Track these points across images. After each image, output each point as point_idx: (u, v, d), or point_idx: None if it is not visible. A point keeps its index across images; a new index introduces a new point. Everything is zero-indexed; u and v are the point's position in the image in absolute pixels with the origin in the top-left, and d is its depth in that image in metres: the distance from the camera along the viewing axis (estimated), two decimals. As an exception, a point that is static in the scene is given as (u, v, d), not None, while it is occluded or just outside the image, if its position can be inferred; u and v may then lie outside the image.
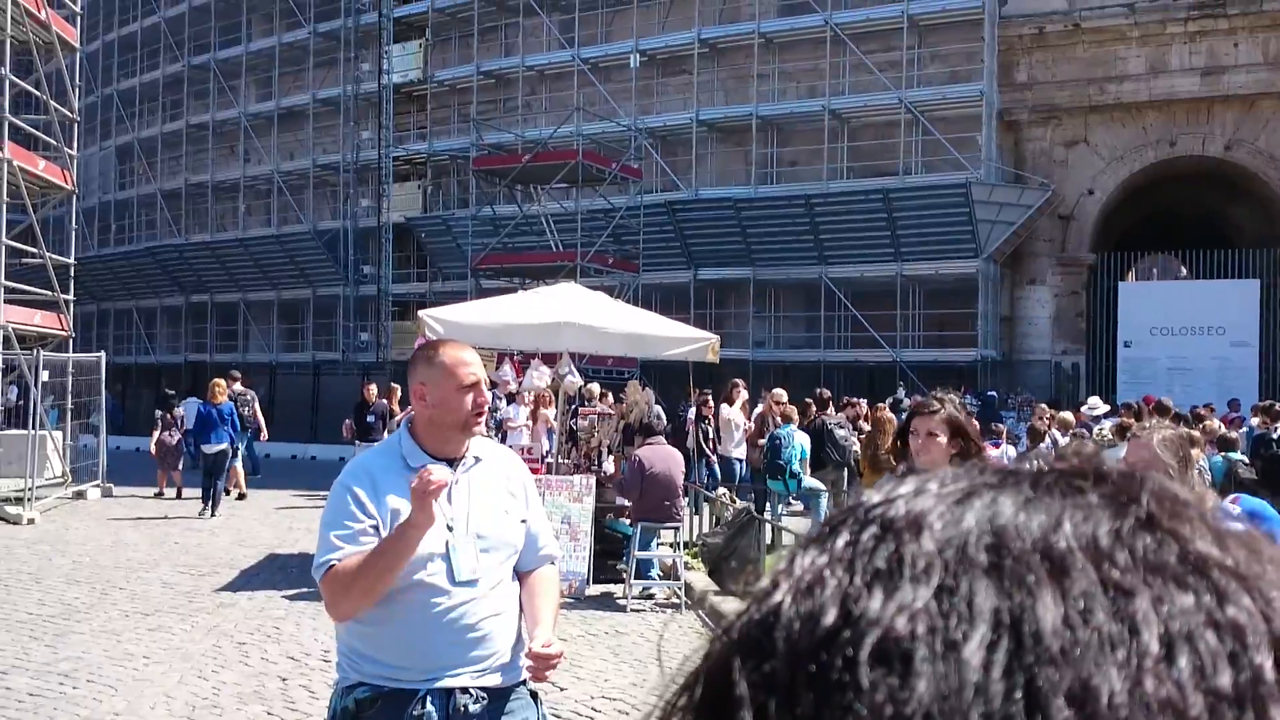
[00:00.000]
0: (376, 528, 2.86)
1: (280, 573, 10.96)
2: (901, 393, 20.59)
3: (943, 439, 3.58)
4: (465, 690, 2.85)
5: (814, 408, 14.46)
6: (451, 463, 2.99)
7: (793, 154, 28.35)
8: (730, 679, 0.37)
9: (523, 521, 3.04)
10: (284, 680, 7.03)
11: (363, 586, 2.80)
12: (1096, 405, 16.92)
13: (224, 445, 15.44)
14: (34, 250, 18.40)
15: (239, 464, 16.99)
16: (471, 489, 2.99)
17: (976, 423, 4.41)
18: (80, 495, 17.06)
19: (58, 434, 17.59)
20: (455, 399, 2.99)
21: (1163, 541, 0.37)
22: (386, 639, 2.86)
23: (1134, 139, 26.16)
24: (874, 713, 0.34)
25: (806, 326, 28.15)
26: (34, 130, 19.24)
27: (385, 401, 16.71)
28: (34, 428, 16.03)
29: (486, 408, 3.05)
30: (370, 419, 16.34)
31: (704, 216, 27.93)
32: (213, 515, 15.11)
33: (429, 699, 2.83)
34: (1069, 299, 26.85)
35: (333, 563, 2.83)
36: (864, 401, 16.78)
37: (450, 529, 2.90)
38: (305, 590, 10.05)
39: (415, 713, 2.81)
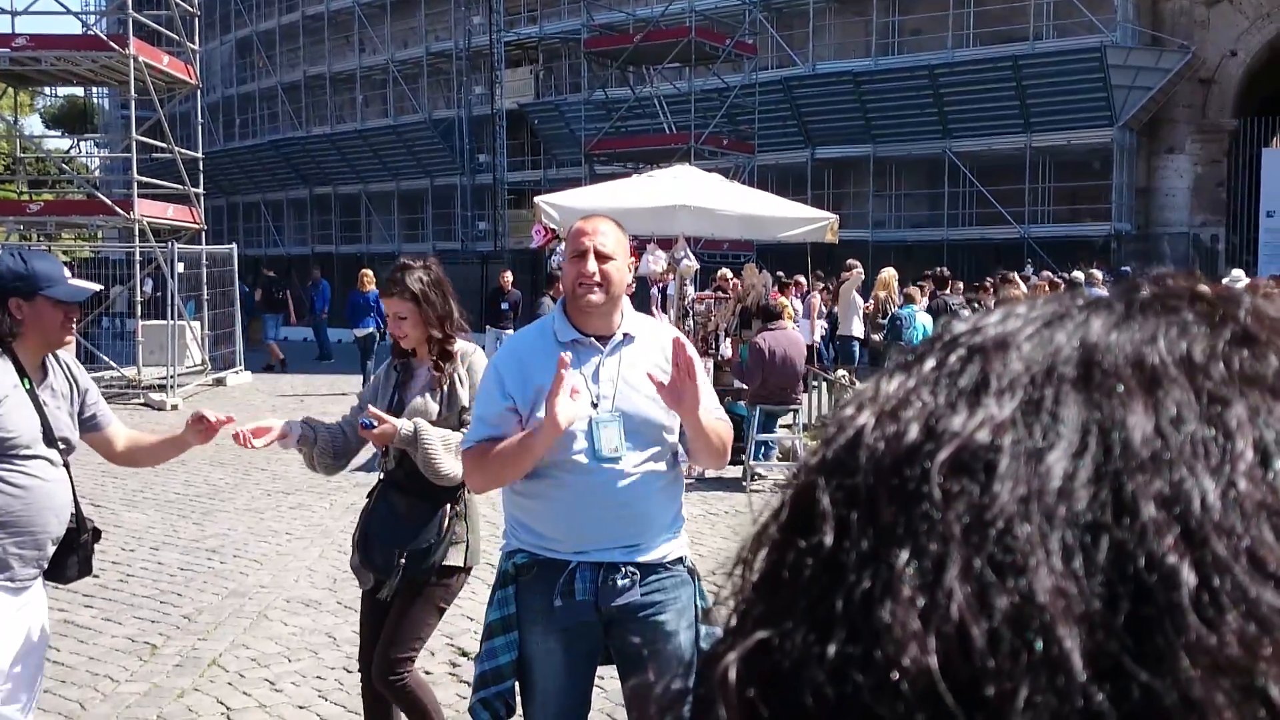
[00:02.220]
0: (515, 410, 2.91)
1: (410, 455, 11.32)
2: (1030, 270, 19.93)
3: None
4: (615, 566, 2.89)
5: (932, 287, 14.09)
6: (602, 339, 2.98)
7: (916, 22, 27.13)
8: (814, 496, 0.38)
9: None
10: (417, 556, 7.30)
11: (492, 473, 2.95)
12: (1239, 278, 16.11)
13: (371, 330, 16.61)
14: (163, 145, 18.90)
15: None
16: (620, 367, 2.96)
17: None
18: (219, 382, 17.83)
19: (195, 324, 18.29)
20: (569, 269, 2.98)
21: (1260, 355, 0.36)
22: (539, 510, 2.94)
23: (1284, -7, 24.29)
24: (955, 520, 0.34)
25: (929, 204, 27.34)
26: (157, 26, 19.58)
27: (519, 290, 17.04)
28: (172, 318, 16.71)
29: (594, 280, 2.94)
30: (504, 306, 16.61)
31: (821, 92, 27.10)
32: None
33: (579, 571, 2.89)
34: (1209, 168, 25.42)
35: (472, 446, 2.97)
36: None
37: (595, 405, 2.90)
38: (434, 471, 10.37)
39: (566, 583, 2.89)
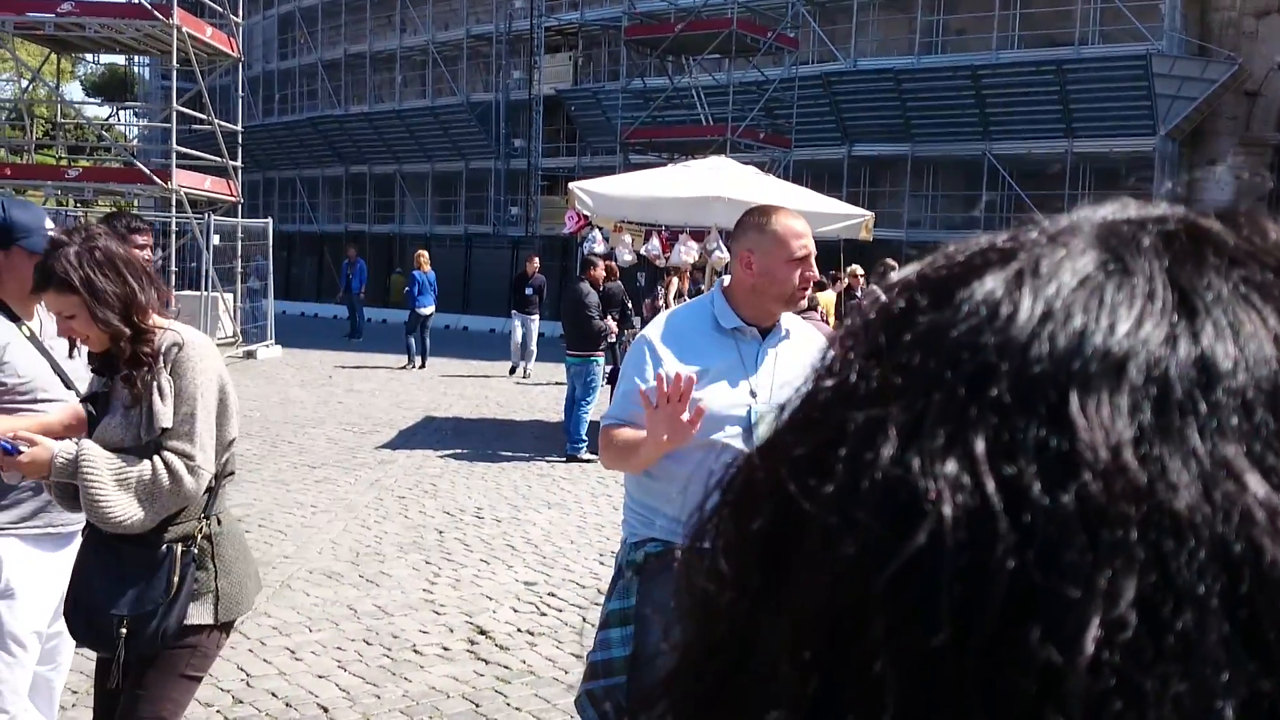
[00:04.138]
0: None
1: (436, 434, 11.36)
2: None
3: None
4: None
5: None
6: (763, 332, 2.97)
7: (960, 22, 26.90)
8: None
9: None
10: (440, 533, 7.32)
11: (621, 459, 2.92)
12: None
13: (430, 308, 17.46)
14: (203, 117, 19.01)
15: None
16: (778, 361, 2.95)
17: None
18: (250, 355, 17.94)
19: (228, 296, 18.42)
20: (783, 271, 2.93)
21: None
22: (681, 495, 2.84)
23: (1340, 6, 23.91)
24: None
25: (965, 206, 27.12)
26: (201, -2, 19.71)
27: (544, 276, 17.17)
28: (206, 289, 16.83)
29: (813, 282, 3.00)
30: (529, 291, 16.65)
31: (862, 89, 26.92)
32: (422, 366, 17.30)
33: None
34: (1252, 181, 25.09)
35: (610, 423, 2.94)
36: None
37: (753, 395, 2.88)
38: (460, 451, 10.41)
39: None
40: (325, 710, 4.45)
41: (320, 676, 4.79)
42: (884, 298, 0.38)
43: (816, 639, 0.33)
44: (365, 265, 23.76)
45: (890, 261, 13.45)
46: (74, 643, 3.24)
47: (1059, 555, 0.30)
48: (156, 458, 2.70)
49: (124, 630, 2.72)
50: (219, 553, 2.85)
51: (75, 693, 4.25)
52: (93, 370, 2.91)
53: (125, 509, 2.66)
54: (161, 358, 2.74)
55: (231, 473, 3.01)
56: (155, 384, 2.71)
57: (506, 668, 4.99)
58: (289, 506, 7.89)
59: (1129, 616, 0.30)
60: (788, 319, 3.05)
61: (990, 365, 0.33)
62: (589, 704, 2.91)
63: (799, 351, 2.98)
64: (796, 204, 11.76)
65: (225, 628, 2.92)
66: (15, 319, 3.21)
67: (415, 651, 5.13)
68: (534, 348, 16.95)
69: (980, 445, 0.32)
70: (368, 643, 5.22)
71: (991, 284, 0.35)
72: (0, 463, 2.72)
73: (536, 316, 16.85)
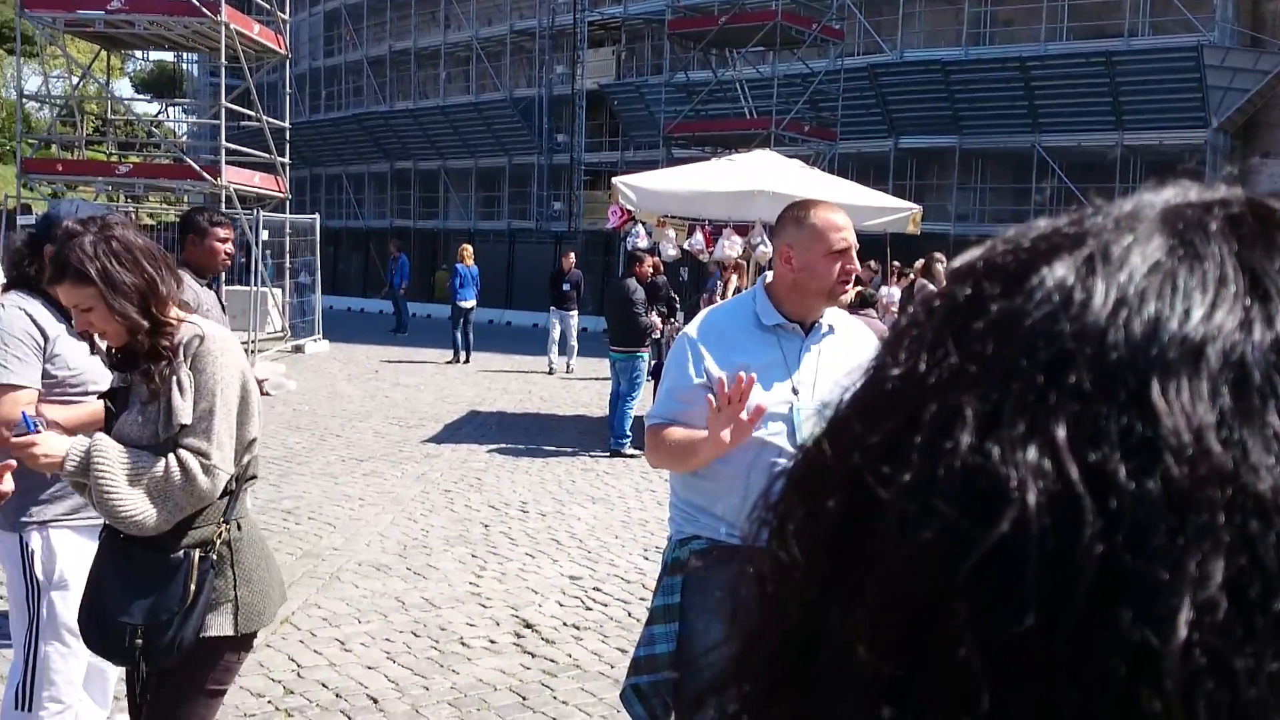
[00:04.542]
0: (708, 387, 2.85)
1: (481, 428, 11.42)
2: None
3: None
4: None
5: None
6: (806, 328, 2.95)
7: (1008, 13, 26.58)
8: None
9: None
10: (486, 526, 7.36)
11: (665, 460, 2.92)
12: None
13: (473, 302, 17.63)
14: (251, 114, 19.21)
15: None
16: (821, 357, 2.93)
17: None
18: (298, 349, 18.13)
19: (277, 291, 18.62)
20: (823, 265, 2.90)
21: None
22: (725, 494, 2.84)
23: (1401, -7, 23.37)
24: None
25: (1014, 199, 26.82)
26: (250, -4, 19.92)
27: (580, 271, 17.16)
28: (255, 284, 17.02)
29: (854, 275, 2.95)
30: (565, 287, 16.67)
31: (908, 80, 26.69)
32: (466, 361, 17.37)
33: None
34: (1308, 173, 24.59)
35: (656, 422, 2.93)
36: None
37: (796, 392, 2.86)
38: (504, 445, 10.46)
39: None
40: (375, 701, 4.49)
41: (369, 668, 4.83)
42: (947, 286, 0.38)
43: (895, 624, 0.33)
44: (408, 261, 23.93)
45: (939, 255, 13.33)
46: None
47: (1147, 539, 0.31)
48: (171, 456, 2.58)
49: (139, 641, 2.58)
50: (239, 559, 2.70)
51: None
52: (111, 365, 2.79)
53: (137, 507, 2.54)
54: (181, 351, 2.61)
55: (254, 476, 2.82)
56: (175, 379, 2.59)
57: (553, 661, 5.00)
58: (337, 499, 7.96)
59: (1219, 598, 0.30)
60: (832, 315, 3.02)
61: (1068, 353, 0.33)
62: (635, 699, 2.91)
63: (845, 348, 2.95)
64: (842, 197, 11.68)
65: (246, 640, 2.74)
66: (65, 314, 3.26)
67: (462, 644, 5.16)
68: (574, 343, 16.97)
69: (1062, 432, 0.32)
70: (415, 634, 5.25)
71: (1062, 271, 0.35)
72: (16, 442, 2.61)
73: (575, 312, 16.87)
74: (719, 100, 28.22)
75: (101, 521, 3.14)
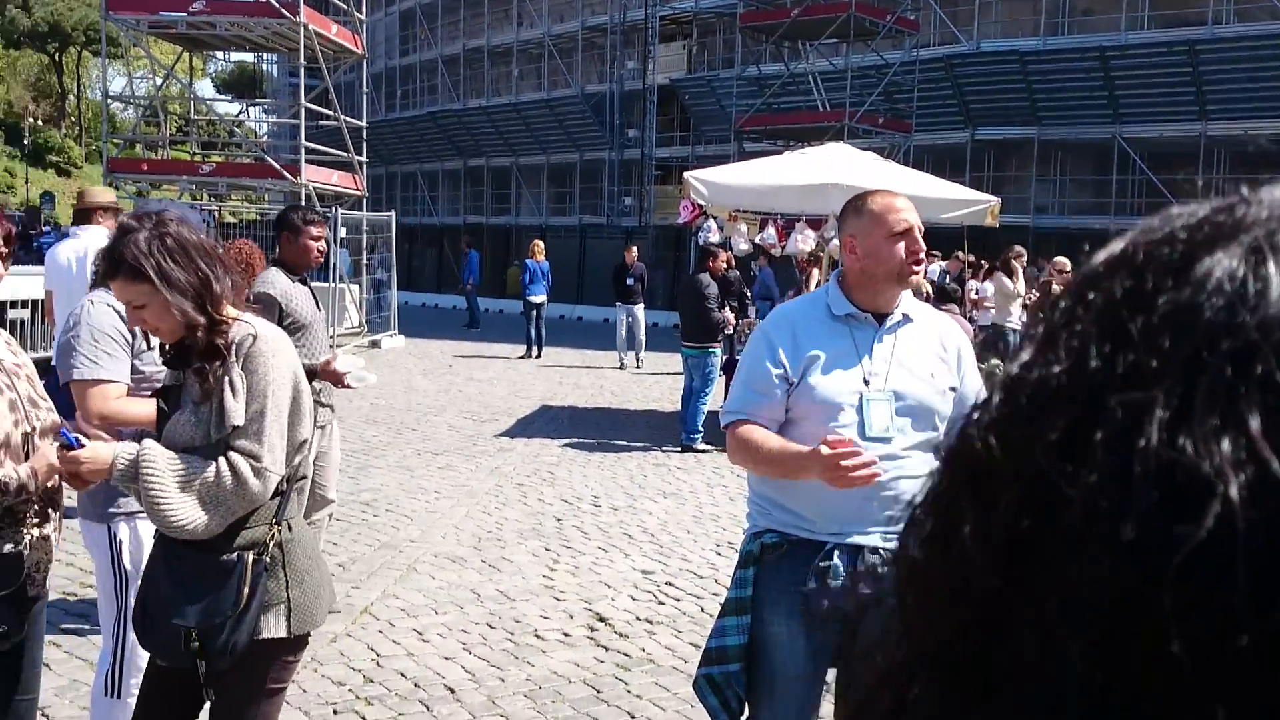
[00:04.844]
0: (785, 377, 2.85)
1: (553, 423, 11.50)
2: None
3: None
4: (875, 550, 2.79)
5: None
6: (880, 318, 2.93)
7: (1087, 2, 26.03)
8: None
9: (951, 389, 2.88)
10: (559, 520, 7.41)
11: (748, 461, 2.89)
12: None
13: (543, 296, 17.64)
14: (330, 113, 19.54)
15: None
16: (896, 347, 2.90)
17: None
18: (375, 344, 18.42)
19: (354, 287, 18.92)
20: (886, 248, 2.88)
21: None
22: (797, 488, 2.81)
23: None
24: None
25: (1095, 191, 26.26)
26: (327, -3, 20.25)
27: (643, 264, 17.18)
28: (333, 281, 17.32)
29: (922, 256, 2.90)
30: (629, 281, 16.71)
31: (985, 71, 26.26)
32: (538, 356, 17.40)
33: (836, 553, 2.79)
34: (1406, 163, 23.71)
35: (734, 419, 2.90)
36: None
37: (866, 383, 2.84)
38: (576, 440, 10.52)
39: (822, 564, 2.79)
40: (452, 691, 4.55)
41: (446, 658, 4.90)
42: (1098, 280, 0.38)
43: (1090, 621, 0.33)
44: (478, 257, 24.15)
45: (1018, 249, 13.09)
46: None
47: None
48: (221, 459, 2.55)
49: (194, 644, 2.58)
50: (290, 561, 2.68)
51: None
52: (165, 363, 2.75)
53: (188, 513, 2.52)
54: (234, 350, 2.58)
55: (304, 476, 2.80)
56: (227, 379, 2.56)
57: (626, 655, 5.02)
58: (414, 492, 8.08)
59: None
60: (913, 305, 2.99)
61: (1253, 344, 0.33)
62: (708, 688, 2.91)
63: (923, 337, 2.92)
64: (918, 190, 11.53)
65: (300, 640, 2.74)
66: None
67: (537, 636, 5.21)
68: (643, 337, 16.99)
69: (1256, 424, 0.32)
70: (491, 626, 5.32)
71: (1230, 262, 0.35)
72: (61, 458, 2.61)
73: (641, 305, 16.89)
74: (791, 93, 28.03)
75: None
